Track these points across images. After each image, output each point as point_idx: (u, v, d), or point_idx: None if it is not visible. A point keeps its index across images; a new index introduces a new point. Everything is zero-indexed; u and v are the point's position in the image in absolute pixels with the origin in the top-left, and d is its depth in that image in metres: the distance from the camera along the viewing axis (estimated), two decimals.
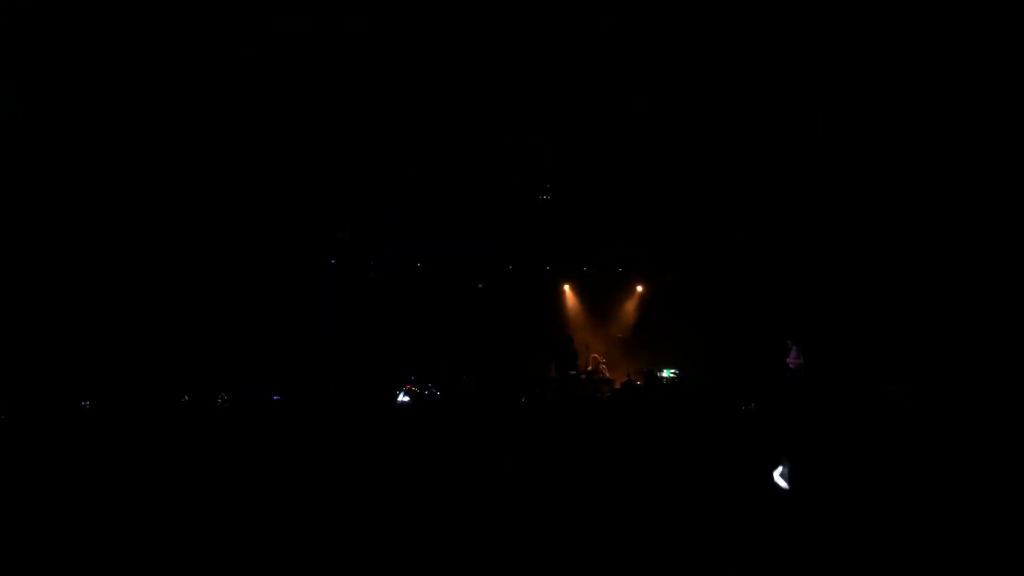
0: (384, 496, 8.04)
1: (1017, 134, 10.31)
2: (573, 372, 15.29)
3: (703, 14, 10.47)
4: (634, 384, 14.54)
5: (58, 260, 12.24)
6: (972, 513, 7.18)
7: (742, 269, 15.45)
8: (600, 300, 17.76)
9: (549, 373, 15.49)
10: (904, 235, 12.01)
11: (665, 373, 15.75)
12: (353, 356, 14.02)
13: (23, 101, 10.66)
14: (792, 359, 14.10)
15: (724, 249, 15.81)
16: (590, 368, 15.90)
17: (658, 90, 12.01)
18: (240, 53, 10.67)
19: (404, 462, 9.47)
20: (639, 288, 17.90)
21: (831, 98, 11.14)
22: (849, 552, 6.55)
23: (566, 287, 17.85)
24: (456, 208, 14.73)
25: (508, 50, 11.38)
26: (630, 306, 17.93)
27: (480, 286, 16.59)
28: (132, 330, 12.69)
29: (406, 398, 12.89)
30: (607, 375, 15.78)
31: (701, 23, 10.61)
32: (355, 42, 11.14)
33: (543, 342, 15.73)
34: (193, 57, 10.79)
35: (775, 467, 8.86)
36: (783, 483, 8.54)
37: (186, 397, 11.95)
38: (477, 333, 15.63)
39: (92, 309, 12.51)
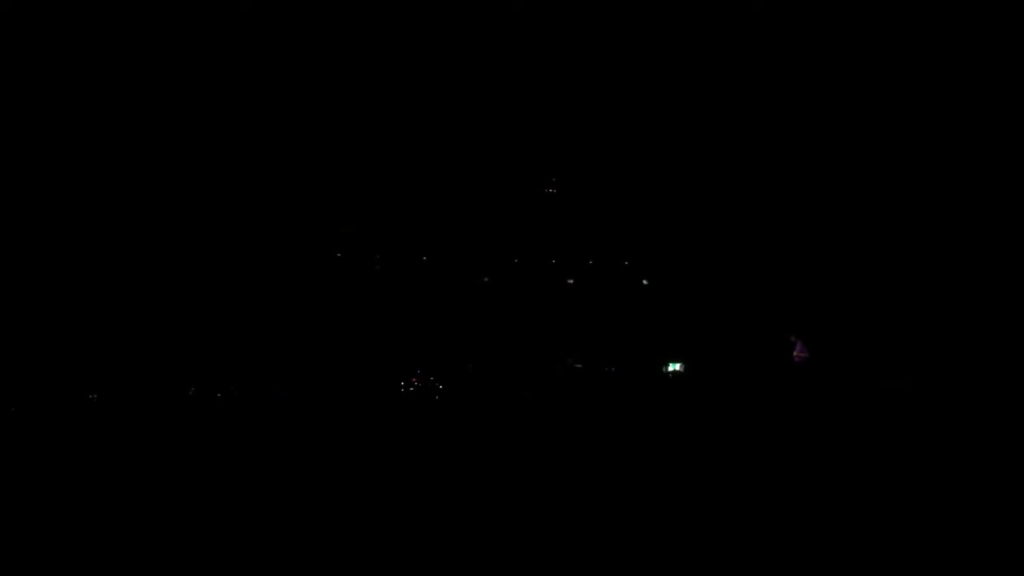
0: (387, 489, 8.10)
1: (1015, 134, 10.29)
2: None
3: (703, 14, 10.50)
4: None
5: (68, 256, 12.37)
6: (969, 505, 7.19)
7: (747, 265, 15.42)
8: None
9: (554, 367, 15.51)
10: (903, 233, 12.00)
11: (672, 367, 15.72)
12: (357, 349, 14.09)
13: (23, 101, 10.77)
14: (798, 353, 14.09)
15: (730, 245, 15.78)
16: None
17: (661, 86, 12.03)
18: (244, 48, 10.76)
19: (407, 455, 9.53)
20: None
21: (831, 97, 11.13)
22: (849, 546, 6.58)
23: None
24: (462, 202, 14.78)
25: (511, 46, 11.42)
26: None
27: (485, 280, 16.60)
28: (139, 325, 12.79)
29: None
30: None
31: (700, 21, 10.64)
32: (360, 38, 11.19)
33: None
34: (198, 54, 10.89)
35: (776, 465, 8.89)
36: None
37: (192, 390, 12.08)
38: (482, 327, 15.64)
39: (100, 304, 12.62)
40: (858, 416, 10.71)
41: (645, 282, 17.73)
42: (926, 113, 11.19)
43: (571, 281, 17.70)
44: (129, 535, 7.01)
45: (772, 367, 13.96)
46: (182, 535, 7.01)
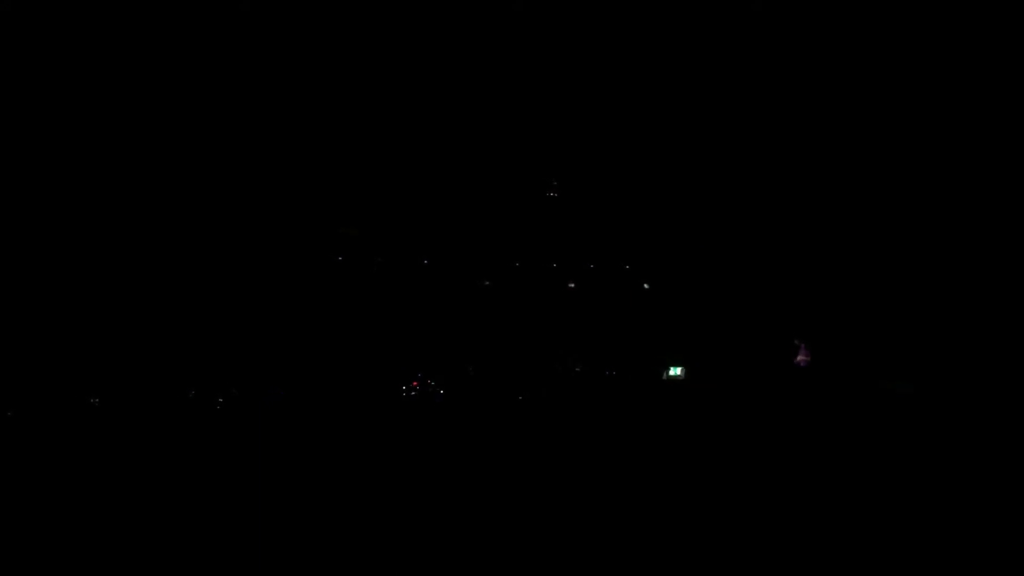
0: (388, 490, 8.09)
1: (1016, 134, 10.29)
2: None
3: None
4: None
5: (66, 256, 12.34)
6: (972, 509, 7.15)
7: (750, 268, 15.40)
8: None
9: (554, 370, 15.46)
10: (906, 231, 11.99)
11: (672, 372, 15.66)
12: (358, 351, 14.07)
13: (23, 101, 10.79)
14: (801, 357, 14.05)
15: (732, 247, 15.75)
16: None
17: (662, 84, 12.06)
18: (244, 48, 10.79)
19: (407, 456, 9.52)
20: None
21: (831, 97, 11.14)
22: (849, 549, 6.53)
23: None
24: (463, 204, 14.77)
25: (511, 46, 11.44)
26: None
27: (487, 283, 16.56)
28: (139, 327, 12.76)
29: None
30: None
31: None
32: (360, 38, 11.22)
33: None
34: (198, 54, 10.91)
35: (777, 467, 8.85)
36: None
37: (192, 392, 12.08)
38: (483, 330, 15.61)
39: (99, 306, 12.59)
40: (865, 421, 10.70)
41: (647, 285, 17.71)
42: (926, 113, 11.20)
43: (572, 284, 17.68)
44: (130, 535, 6.99)
45: (775, 371, 13.93)
46: (183, 535, 7.00)
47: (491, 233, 15.51)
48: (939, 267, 11.55)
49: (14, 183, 11.70)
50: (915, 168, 11.52)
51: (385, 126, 12.93)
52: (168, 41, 10.68)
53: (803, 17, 10.43)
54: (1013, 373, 10.22)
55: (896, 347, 11.67)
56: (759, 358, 14.39)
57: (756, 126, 12.42)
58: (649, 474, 8.77)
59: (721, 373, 14.50)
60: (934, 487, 7.89)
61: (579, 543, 6.78)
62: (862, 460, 8.89)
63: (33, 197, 11.88)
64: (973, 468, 8.31)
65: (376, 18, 10.88)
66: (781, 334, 14.16)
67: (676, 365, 15.62)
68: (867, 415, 10.72)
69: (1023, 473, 7.99)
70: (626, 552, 6.65)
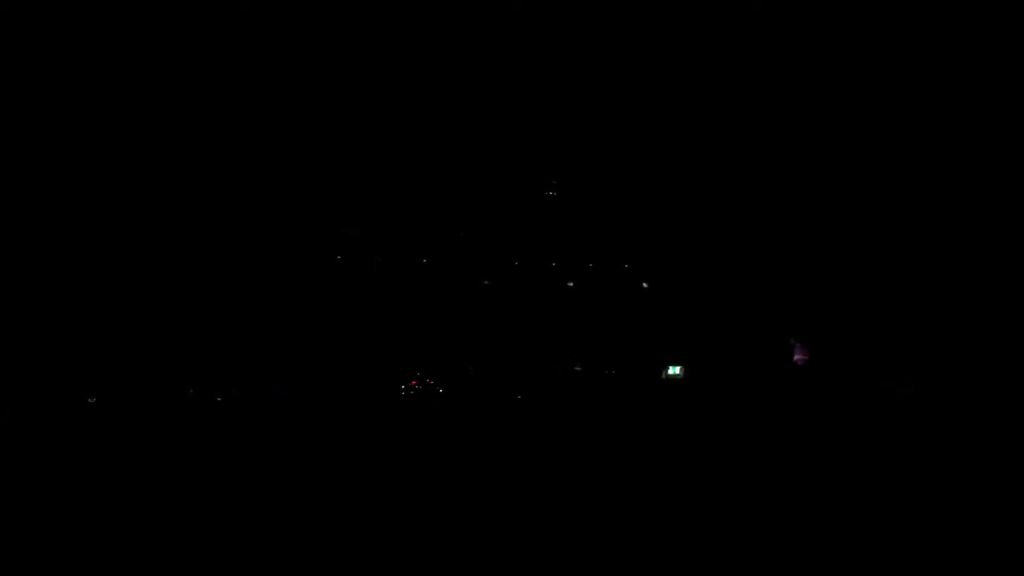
0: (387, 490, 8.10)
1: (1016, 134, 10.31)
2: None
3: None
4: None
5: (65, 256, 12.34)
6: (972, 508, 7.17)
7: (748, 267, 15.41)
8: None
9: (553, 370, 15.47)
10: (905, 230, 12.01)
11: (671, 371, 15.67)
12: (358, 350, 14.08)
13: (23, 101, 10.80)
14: (799, 356, 14.08)
15: (730, 247, 15.76)
16: None
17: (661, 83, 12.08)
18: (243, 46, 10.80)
19: (407, 456, 9.54)
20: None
21: (830, 97, 11.15)
22: (849, 549, 6.55)
23: None
24: (462, 204, 14.79)
25: (511, 46, 11.45)
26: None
27: (485, 283, 16.56)
28: (138, 326, 12.76)
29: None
30: None
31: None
32: (360, 36, 11.23)
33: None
34: (198, 54, 10.92)
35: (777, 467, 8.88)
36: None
37: (191, 391, 12.09)
38: (482, 329, 15.62)
39: (98, 306, 12.59)
40: (865, 421, 10.71)
41: (645, 285, 17.70)
42: (926, 113, 11.22)
43: (571, 284, 17.67)
44: (130, 536, 7.00)
45: (774, 371, 13.94)
46: (182, 535, 7.01)
47: (491, 233, 15.52)
48: (938, 268, 11.57)
49: (14, 183, 11.72)
50: (914, 169, 11.54)
51: (385, 127, 12.95)
52: (168, 41, 10.70)
53: (803, 17, 10.46)
54: (1013, 373, 10.25)
55: (896, 347, 11.70)
56: (758, 358, 14.40)
57: (755, 127, 12.44)
58: (648, 472, 8.79)
59: (720, 373, 14.51)
60: (934, 486, 7.91)
61: (579, 541, 6.80)
62: (862, 459, 8.91)
63: (34, 198, 11.90)
64: (973, 467, 8.33)
65: (376, 18, 10.91)
66: (779, 334, 14.16)
67: (675, 364, 15.63)
68: (867, 415, 10.75)
69: (1023, 473, 8.01)
70: (626, 550, 6.67)
